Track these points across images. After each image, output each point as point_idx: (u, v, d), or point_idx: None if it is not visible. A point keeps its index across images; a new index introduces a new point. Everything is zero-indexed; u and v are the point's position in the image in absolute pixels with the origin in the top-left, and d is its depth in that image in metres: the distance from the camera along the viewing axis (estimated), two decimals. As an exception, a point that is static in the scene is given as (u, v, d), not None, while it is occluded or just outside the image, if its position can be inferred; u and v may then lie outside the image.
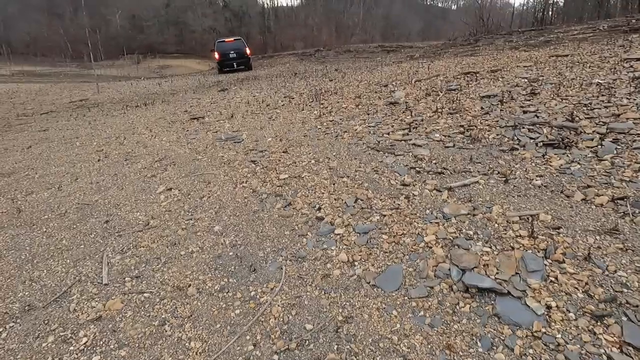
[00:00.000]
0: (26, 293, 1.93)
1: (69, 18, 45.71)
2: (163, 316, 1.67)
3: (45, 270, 2.13)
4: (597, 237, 1.78)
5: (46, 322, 1.70)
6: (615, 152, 2.57)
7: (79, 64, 35.61)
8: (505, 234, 1.90)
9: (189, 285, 1.86)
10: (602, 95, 3.68)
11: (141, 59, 42.57)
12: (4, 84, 16.86)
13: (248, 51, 16.33)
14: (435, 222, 2.10)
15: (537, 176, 2.47)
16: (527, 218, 1.99)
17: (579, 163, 2.54)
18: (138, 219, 2.69)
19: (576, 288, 1.51)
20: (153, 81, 16.13)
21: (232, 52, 15.71)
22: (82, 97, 11.08)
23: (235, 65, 15.87)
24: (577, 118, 3.24)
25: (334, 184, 2.83)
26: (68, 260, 2.21)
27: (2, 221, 2.84)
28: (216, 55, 15.81)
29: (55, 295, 1.89)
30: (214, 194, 2.99)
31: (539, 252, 1.73)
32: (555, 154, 2.73)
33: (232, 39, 16.68)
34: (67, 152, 4.79)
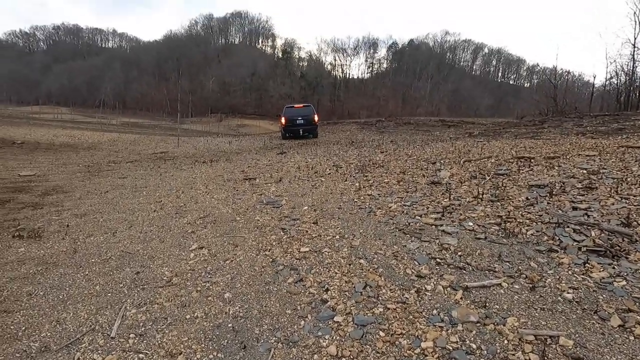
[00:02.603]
0: (48, 334, 2.15)
1: (173, 82, 54.63)
2: (146, 382, 1.74)
3: (71, 314, 2.37)
4: (626, 380, 1.50)
5: (52, 366, 1.87)
6: (674, 271, 2.21)
7: (173, 119, 41.48)
8: (514, 355, 1.69)
9: (180, 353, 1.93)
10: (672, 198, 3.26)
11: (223, 118, 48.32)
12: (110, 133, 20.12)
13: (316, 118, 15.55)
14: (439, 326, 1.95)
15: (570, 288, 2.20)
16: (545, 339, 1.76)
17: (625, 279, 2.22)
18: (164, 274, 2.91)
19: None
20: (226, 139, 17.97)
21: (300, 118, 15.10)
22: (163, 149, 12.71)
23: (301, 132, 15.06)
24: (635, 223, 2.89)
25: (349, 265, 2.81)
26: (92, 307, 2.44)
27: (59, 259, 3.28)
28: (282, 120, 15.16)
29: (69, 340, 2.08)
30: (237, 258, 3.14)
31: (547, 385, 1.50)
32: (599, 264, 2.42)
33: (301, 104, 16.04)
34: (133, 199, 5.45)
